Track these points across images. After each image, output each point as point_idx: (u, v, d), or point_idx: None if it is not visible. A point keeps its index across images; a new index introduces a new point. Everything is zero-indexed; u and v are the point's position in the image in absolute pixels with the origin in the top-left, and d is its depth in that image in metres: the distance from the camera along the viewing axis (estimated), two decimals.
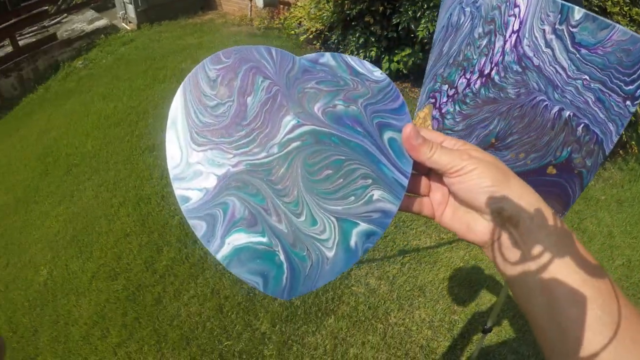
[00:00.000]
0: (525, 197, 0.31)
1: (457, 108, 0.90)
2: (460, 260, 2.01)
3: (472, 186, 0.32)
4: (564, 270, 0.28)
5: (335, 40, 3.42)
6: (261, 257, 0.33)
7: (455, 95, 0.89)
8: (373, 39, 3.05)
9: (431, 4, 2.58)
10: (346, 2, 2.90)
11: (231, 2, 4.90)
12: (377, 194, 0.34)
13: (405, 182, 0.35)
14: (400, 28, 2.82)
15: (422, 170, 0.37)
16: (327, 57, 0.38)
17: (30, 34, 5.04)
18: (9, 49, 4.57)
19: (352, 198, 0.34)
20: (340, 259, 0.33)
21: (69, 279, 2.08)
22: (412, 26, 2.73)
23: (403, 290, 1.91)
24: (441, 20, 0.91)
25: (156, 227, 2.31)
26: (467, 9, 0.86)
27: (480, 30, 0.86)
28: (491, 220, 0.32)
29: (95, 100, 3.63)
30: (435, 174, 0.36)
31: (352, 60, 0.38)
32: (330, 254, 0.33)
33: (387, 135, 0.36)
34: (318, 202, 0.34)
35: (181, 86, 0.35)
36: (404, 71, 3.10)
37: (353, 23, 3.09)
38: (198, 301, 1.89)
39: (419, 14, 2.64)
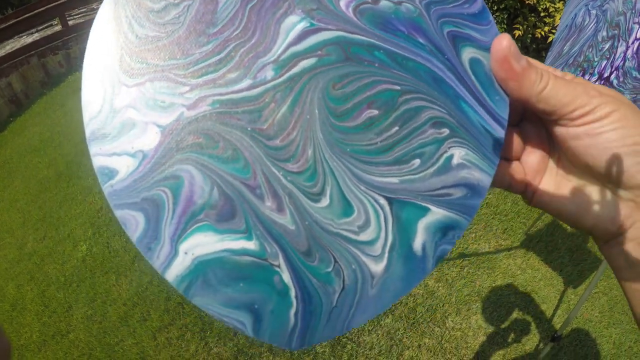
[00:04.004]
0: None
1: None
2: (518, 268, 1.99)
3: (608, 141, 0.21)
4: None
5: None
6: (248, 277, 0.20)
7: None
8: None
9: (502, 6, 2.60)
10: None
11: None
12: (458, 154, 0.22)
13: (502, 134, 0.23)
14: None
15: (511, 118, 0.25)
16: None
17: (79, 16, 5.37)
18: (58, 27, 4.88)
19: (417, 161, 0.22)
20: (396, 275, 0.21)
21: (110, 258, 2.16)
22: None
23: (461, 294, 1.91)
24: (565, 19, 0.94)
25: None
26: (593, 12, 0.89)
27: (604, 33, 0.88)
28: (630, 200, 0.22)
29: None
30: (531, 124, 0.26)
31: None
32: (377, 267, 0.21)
33: (467, 53, 0.23)
34: (353, 169, 0.21)
35: None
36: None
37: None
38: None
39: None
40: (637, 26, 0.84)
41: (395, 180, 0.21)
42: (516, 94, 0.22)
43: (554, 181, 0.25)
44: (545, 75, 0.22)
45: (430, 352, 1.69)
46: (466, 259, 2.07)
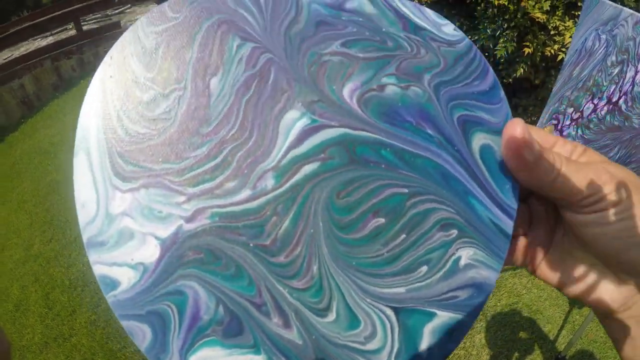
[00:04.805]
0: None
1: (580, 132, 0.94)
2: (523, 288, 1.98)
3: (617, 230, 0.20)
4: None
5: None
6: None
7: (580, 119, 0.93)
8: None
9: (512, 24, 2.63)
10: None
11: None
12: (466, 255, 0.21)
13: (510, 228, 0.22)
14: (477, 46, 2.87)
15: (519, 196, 0.24)
16: (360, 0, 0.23)
17: (93, 21, 5.48)
18: (72, 32, 4.98)
19: (424, 268, 0.21)
20: None
21: None
22: (490, 45, 2.78)
23: None
24: (575, 44, 0.96)
25: None
26: (603, 36, 0.91)
27: (614, 58, 0.90)
28: (633, 282, 0.22)
29: None
30: (538, 200, 0.25)
31: (404, 5, 0.23)
32: None
33: (478, 140, 0.22)
34: (359, 283, 0.21)
35: (98, 70, 0.22)
36: None
37: None
38: None
39: (498, 33, 2.69)
40: None
41: (402, 290, 0.21)
42: (527, 184, 0.22)
43: (558, 256, 0.24)
44: (557, 162, 0.21)
45: None
46: None
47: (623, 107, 0.89)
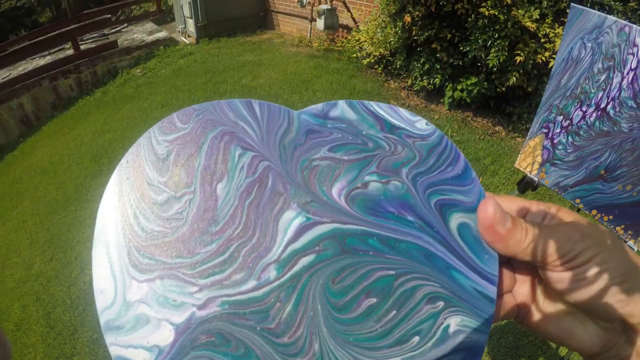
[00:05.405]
0: None
1: (570, 139, 0.96)
2: None
3: (590, 284, 0.23)
4: None
5: (398, 66, 3.56)
6: None
7: (570, 127, 0.96)
8: (438, 66, 3.16)
9: (502, 34, 2.68)
10: (414, 27, 3.04)
11: (289, 23, 5.24)
12: (454, 322, 0.24)
13: (493, 292, 0.24)
14: (469, 56, 2.92)
15: (501, 259, 0.26)
16: (342, 108, 0.27)
17: (91, 40, 5.54)
18: (70, 52, 5.04)
19: (416, 338, 0.23)
20: None
21: None
22: (482, 55, 2.82)
23: None
24: (562, 53, 0.99)
25: None
26: (589, 44, 0.94)
27: (600, 65, 0.93)
28: (610, 328, 0.24)
29: (153, 108, 3.84)
30: (519, 261, 0.26)
31: (381, 108, 0.28)
32: None
33: (455, 220, 0.25)
34: (357, 356, 0.23)
35: (115, 172, 0.25)
36: (467, 100, 3.17)
37: (418, 49, 3.22)
38: None
39: (489, 43, 2.74)
40: (632, 57, 0.88)
41: (397, 359, 0.23)
42: (503, 253, 0.25)
43: (541, 307, 0.27)
44: (530, 230, 0.24)
45: None
46: None
47: (611, 112, 0.92)
